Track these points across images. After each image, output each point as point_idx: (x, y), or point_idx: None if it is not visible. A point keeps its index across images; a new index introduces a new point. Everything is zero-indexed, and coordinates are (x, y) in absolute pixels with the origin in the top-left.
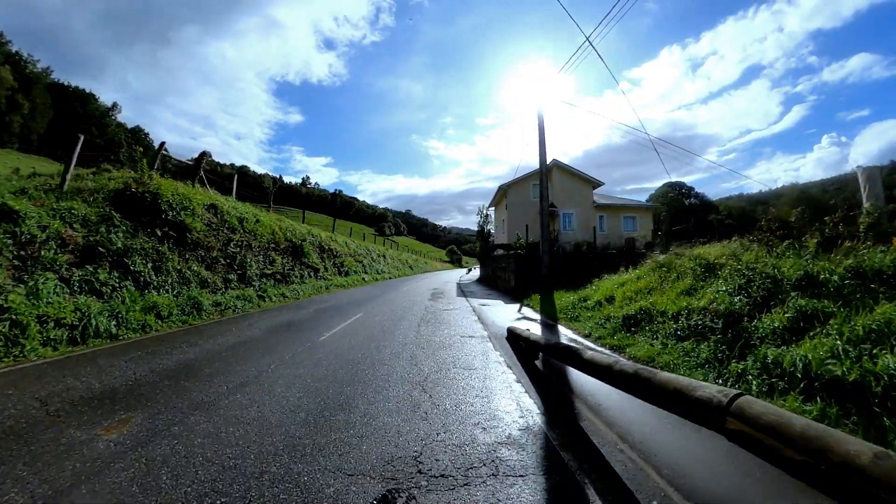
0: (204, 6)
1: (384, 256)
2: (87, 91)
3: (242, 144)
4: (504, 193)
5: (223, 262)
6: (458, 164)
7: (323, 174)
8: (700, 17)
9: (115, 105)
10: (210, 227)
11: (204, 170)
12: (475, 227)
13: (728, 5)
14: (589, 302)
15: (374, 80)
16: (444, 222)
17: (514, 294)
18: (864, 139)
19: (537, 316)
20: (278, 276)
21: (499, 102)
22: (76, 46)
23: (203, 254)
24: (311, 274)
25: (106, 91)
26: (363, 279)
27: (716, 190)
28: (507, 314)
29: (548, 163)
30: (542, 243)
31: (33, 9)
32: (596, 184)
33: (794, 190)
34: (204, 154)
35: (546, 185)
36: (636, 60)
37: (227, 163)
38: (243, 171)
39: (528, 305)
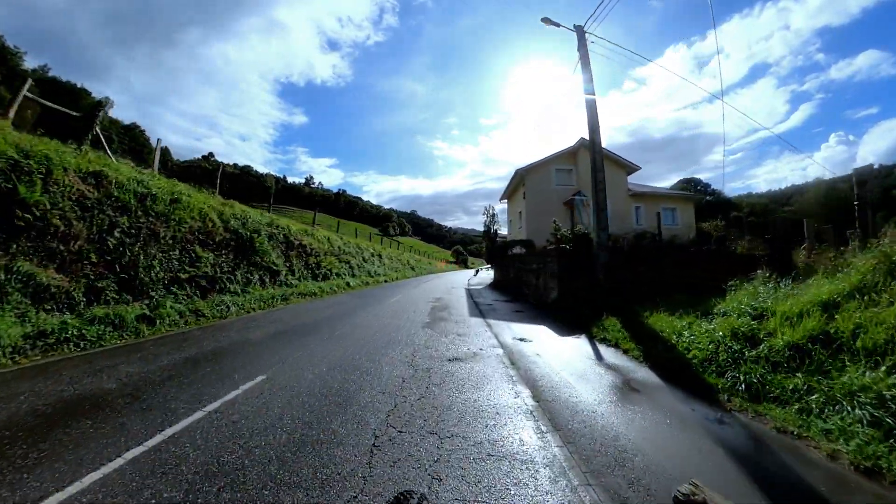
0: (205, 7)
1: (379, 256)
2: (80, 86)
3: (247, 145)
4: (521, 180)
5: (94, 259)
6: (463, 164)
7: (328, 175)
8: (706, 16)
9: (106, 100)
10: (81, 206)
11: (207, 166)
12: (480, 228)
13: (733, 3)
14: (769, 341)
15: (378, 81)
16: (449, 223)
17: (559, 312)
18: (872, 137)
19: (651, 376)
20: (202, 282)
21: (501, 102)
22: (80, 48)
23: (57, 246)
24: (268, 278)
25: (110, 92)
26: (347, 284)
27: (723, 188)
28: (581, 371)
29: (574, 143)
30: (597, 233)
31: (34, 10)
32: (631, 168)
33: (822, 185)
34: (101, 103)
35: (599, 145)
36: (640, 60)
37: (231, 163)
38: (246, 171)
39: (604, 341)
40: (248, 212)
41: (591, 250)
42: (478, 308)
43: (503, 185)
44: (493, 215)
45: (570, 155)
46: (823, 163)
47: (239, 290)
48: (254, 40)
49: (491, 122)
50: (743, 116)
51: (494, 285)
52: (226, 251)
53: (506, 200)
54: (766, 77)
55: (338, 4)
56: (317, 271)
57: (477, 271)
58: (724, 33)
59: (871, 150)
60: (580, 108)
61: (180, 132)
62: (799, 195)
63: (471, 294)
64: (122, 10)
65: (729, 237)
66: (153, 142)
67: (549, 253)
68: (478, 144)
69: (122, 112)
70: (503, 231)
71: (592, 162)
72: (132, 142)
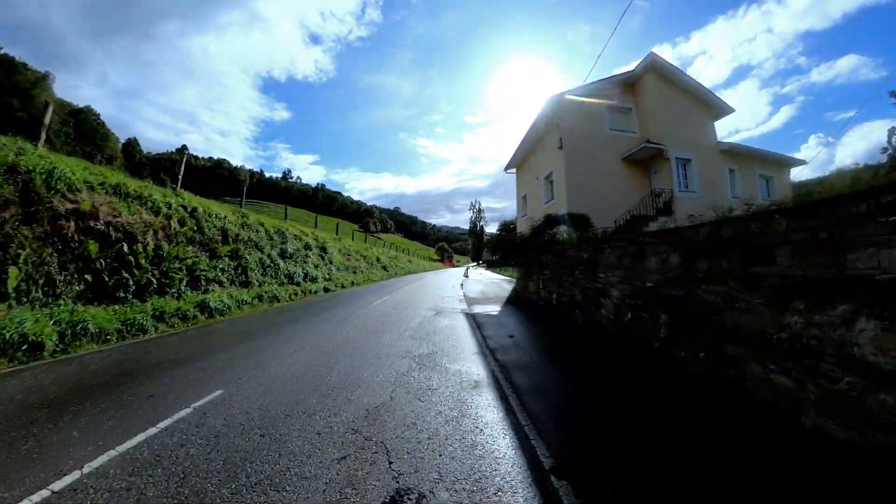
0: None
1: (323, 249)
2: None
3: (228, 141)
4: (550, 125)
5: None
6: (447, 162)
7: (310, 172)
8: (690, 17)
9: (46, 75)
10: None
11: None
12: (465, 226)
13: (719, 4)
14: None
15: (362, 77)
16: (433, 221)
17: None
18: (851, 139)
19: None
20: None
21: (487, 100)
22: (55, 41)
23: None
24: None
25: (87, 87)
26: (224, 305)
27: None
28: None
29: (636, 65)
30: None
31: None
32: (721, 110)
33: (846, 176)
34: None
35: None
36: (627, 59)
37: (206, 156)
38: (219, 164)
39: None
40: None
41: None
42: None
43: (489, 182)
44: (480, 211)
45: (625, 86)
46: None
47: None
48: (234, 33)
49: (477, 120)
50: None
51: (521, 304)
52: None
53: (514, 170)
54: (748, 79)
55: None
56: (151, 285)
57: (467, 270)
58: (708, 34)
59: (849, 152)
60: None
61: (160, 127)
62: (817, 184)
63: (489, 347)
64: (99, 2)
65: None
66: (103, 122)
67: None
68: (463, 142)
69: (99, 105)
70: (490, 229)
71: None
72: (81, 127)
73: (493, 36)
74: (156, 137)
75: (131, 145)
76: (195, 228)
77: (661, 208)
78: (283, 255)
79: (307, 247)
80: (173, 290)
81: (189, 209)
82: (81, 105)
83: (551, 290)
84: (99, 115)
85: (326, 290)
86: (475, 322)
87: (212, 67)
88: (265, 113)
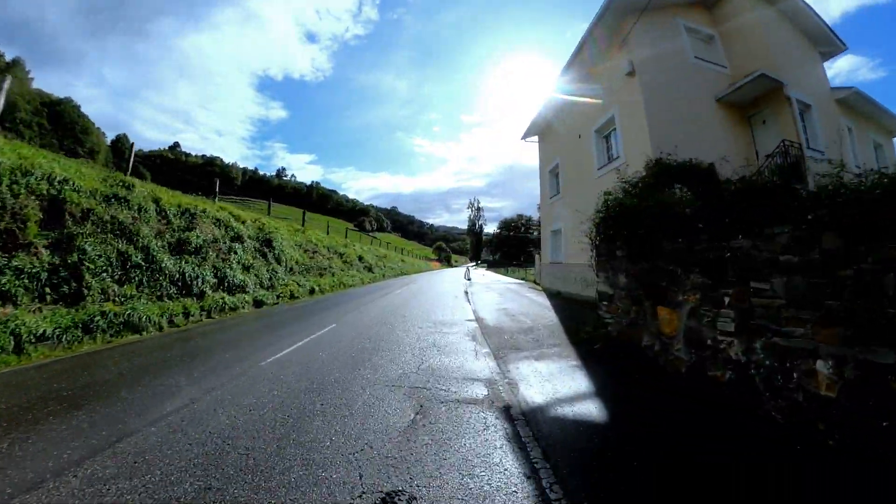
0: None
1: (267, 244)
2: None
3: (224, 141)
4: (622, 45)
5: None
6: (444, 161)
7: (307, 171)
8: None
9: (14, 61)
10: None
11: (170, 157)
12: (462, 225)
13: None
14: None
15: (358, 75)
16: (430, 220)
17: None
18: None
19: None
20: None
21: (484, 99)
22: (50, 38)
23: None
24: None
25: (83, 86)
26: None
27: None
28: None
29: None
30: None
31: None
32: (832, 46)
33: None
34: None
35: None
36: None
37: (198, 154)
38: (210, 161)
39: None
40: None
41: None
42: None
43: (487, 182)
44: (479, 209)
45: (701, 9)
46: None
47: None
48: (230, 32)
49: (473, 119)
50: None
51: (618, 360)
52: None
53: (534, 138)
54: None
55: None
56: None
57: (468, 272)
58: None
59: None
60: None
61: (156, 126)
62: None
63: None
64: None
65: None
66: (116, 132)
67: None
68: (460, 142)
69: (94, 105)
70: (488, 229)
71: None
72: (60, 119)
73: (491, 35)
74: (152, 136)
75: (121, 142)
76: None
77: (788, 170)
78: (179, 248)
79: (237, 238)
80: None
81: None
82: (62, 96)
83: (753, 339)
84: (79, 106)
85: (260, 303)
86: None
87: (207, 66)
88: (261, 112)
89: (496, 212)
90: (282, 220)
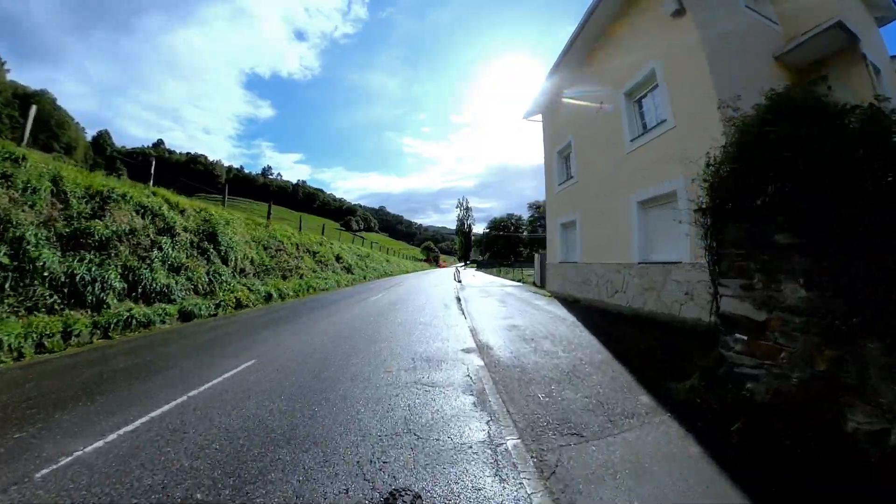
0: None
1: (211, 239)
2: None
3: (212, 139)
4: None
5: None
6: (434, 162)
7: (295, 171)
8: None
9: None
10: None
11: (153, 154)
12: (451, 226)
13: None
14: None
15: (348, 75)
16: (419, 220)
17: None
18: None
19: None
20: None
21: (474, 99)
22: (32, 32)
23: None
24: None
25: (67, 81)
26: None
27: None
28: None
29: None
30: None
31: None
32: (886, 13)
33: None
34: None
35: None
36: None
37: (183, 152)
38: (194, 159)
39: None
40: None
41: None
42: None
43: (476, 182)
44: (468, 209)
45: None
46: None
47: None
48: (218, 28)
49: (463, 120)
50: None
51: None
52: None
53: (538, 117)
54: None
55: None
56: None
57: (457, 273)
58: None
59: None
60: None
61: (142, 124)
62: None
63: None
64: None
65: None
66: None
67: None
68: (449, 142)
69: (78, 102)
70: (477, 229)
71: None
72: (27, 111)
73: (481, 36)
74: (138, 134)
75: (102, 138)
76: None
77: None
78: (76, 242)
79: (166, 230)
80: None
81: None
82: (37, 88)
83: None
84: (55, 99)
85: (190, 315)
86: None
87: (195, 63)
88: (249, 110)
89: (485, 212)
90: (241, 212)
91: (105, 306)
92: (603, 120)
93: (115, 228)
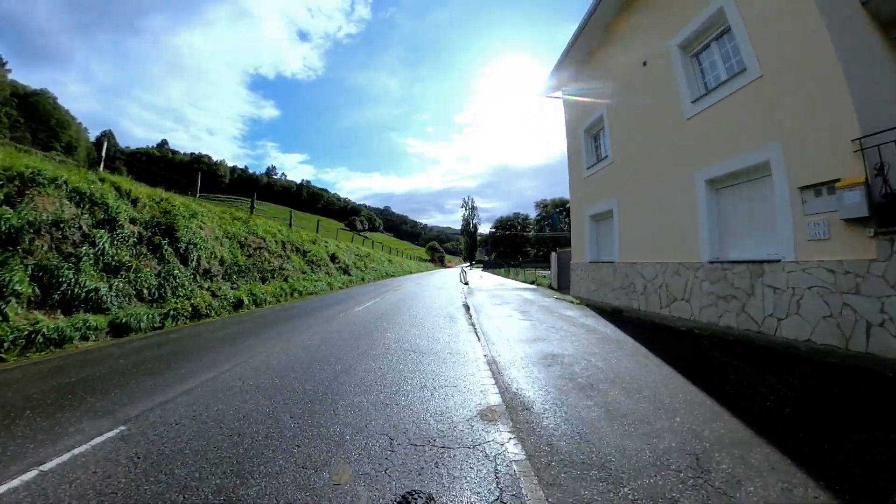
0: None
1: (167, 235)
2: None
3: (215, 140)
4: None
5: None
6: (437, 162)
7: (299, 171)
8: None
9: None
10: None
11: (157, 154)
12: (455, 226)
13: None
14: None
15: (351, 74)
16: (423, 220)
17: None
18: None
19: None
20: None
21: (476, 98)
22: (37, 34)
23: None
24: None
25: (72, 83)
26: None
27: None
28: None
29: None
30: None
31: None
32: None
33: None
34: None
35: None
36: None
37: (187, 152)
38: (198, 159)
39: None
40: None
41: None
42: None
43: (479, 182)
44: (473, 208)
45: None
46: None
47: None
48: (221, 29)
49: (465, 120)
50: None
51: None
52: None
53: (557, 93)
54: None
55: None
56: None
57: (464, 274)
58: None
59: None
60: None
61: (146, 125)
62: None
63: None
64: None
65: None
66: (89, 124)
67: None
68: (452, 142)
69: (84, 103)
70: (482, 229)
71: None
72: (35, 112)
73: (482, 36)
74: (141, 135)
75: (105, 138)
76: None
77: None
78: None
79: (107, 221)
80: None
81: None
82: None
83: None
84: (55, 98)
85: (125, 329)
86: None
87: (199, 64)
88: (253, 111)
89: (488, 212)
90: (217, 206)
91: (0, 317)
92: (646, 85)
93: (31, 218)
